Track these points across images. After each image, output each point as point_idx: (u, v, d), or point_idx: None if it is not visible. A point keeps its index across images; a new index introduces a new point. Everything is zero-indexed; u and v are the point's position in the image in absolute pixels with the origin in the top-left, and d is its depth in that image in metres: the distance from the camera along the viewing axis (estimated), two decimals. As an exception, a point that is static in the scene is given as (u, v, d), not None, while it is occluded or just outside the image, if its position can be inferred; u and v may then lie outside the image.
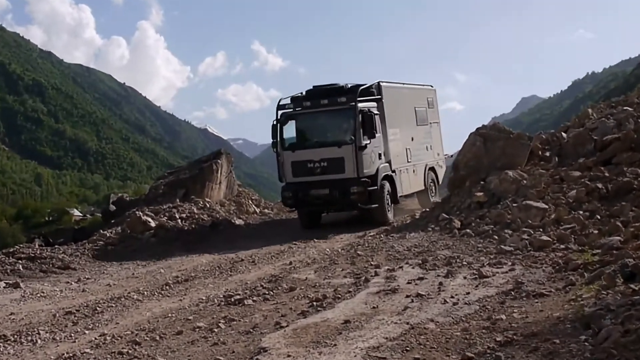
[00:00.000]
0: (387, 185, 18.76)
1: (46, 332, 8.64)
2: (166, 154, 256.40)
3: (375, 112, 18.50)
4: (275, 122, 19.02)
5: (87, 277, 13.40)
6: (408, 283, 9.31)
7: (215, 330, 7.72)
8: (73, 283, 12.81)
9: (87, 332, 8.42)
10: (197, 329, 7.85)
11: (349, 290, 9.21)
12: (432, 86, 24.43)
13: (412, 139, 21.13)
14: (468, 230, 13.21)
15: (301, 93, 19.35)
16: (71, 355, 7.24)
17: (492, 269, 9.51)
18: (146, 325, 8.34)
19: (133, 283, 12.29)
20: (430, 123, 22.83)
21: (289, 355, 6.27)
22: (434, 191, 22.42)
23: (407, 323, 7.08)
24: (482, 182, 15.48)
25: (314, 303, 8.57)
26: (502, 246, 11.02)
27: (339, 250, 13.63)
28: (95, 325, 8.78)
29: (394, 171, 19.26)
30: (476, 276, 9.15)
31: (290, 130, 19.24)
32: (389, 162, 19.10)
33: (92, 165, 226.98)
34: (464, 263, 10.28)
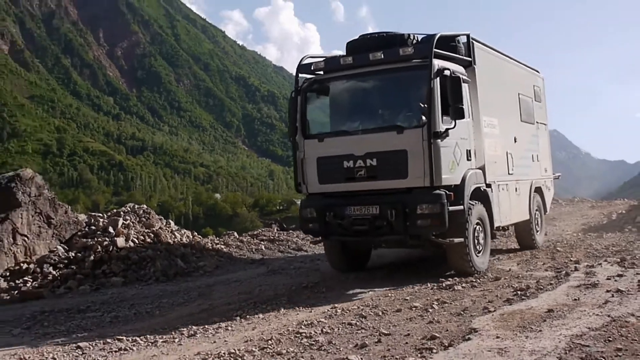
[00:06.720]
0: (480, 209, 10.44)
1: (286, 302, 9.12)
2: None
3: (465, 77, 10.42)
4: (293, 93, 10.83)
5: (317, 258, 13.98)
6: (607, 279, 8.88)
7: (430, 310, 7.78)
8: (307, 262, 13.48)
9: (320, 304, 8.79)
10: (414, 308, 7.94)
11: (550, 283, 8.95)
12: (538, 71, 15.36)
13: (515, 140, 12.57)
14: (667, 233, 12.31)
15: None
16: (309, 322, 7.57)
17: (693, 271, 8.86)
18: (370, 302, 8.58)
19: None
20: (538, 123, 14.35)
21: (497, 337, 6.22)
22: (539, 224, 13.78)
23: (609, 316, 6.77)
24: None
25: (518, 292, 8.39)
26: None
27: (539, 246, 13.27)
28: (327, 300, 9.11)
29: (489, 185, 10.95)
30: (676, 276, 8.55)
31: (318, 107, 11.16)
32: (482, 168, 10.79)
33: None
34: (663, 264, 9.62)
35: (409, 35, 10.30)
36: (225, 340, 7.07)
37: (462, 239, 9.82)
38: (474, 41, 11.03)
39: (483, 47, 11.54)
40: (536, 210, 13.50)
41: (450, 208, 9.48)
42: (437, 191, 9.47)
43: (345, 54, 10.56)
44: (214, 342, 7.06)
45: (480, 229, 10.47)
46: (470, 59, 10.88)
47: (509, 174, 12.03)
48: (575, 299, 7.75)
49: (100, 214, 15.10)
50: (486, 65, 11.39)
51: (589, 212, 21.99)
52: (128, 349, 7.02)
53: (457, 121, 9.64)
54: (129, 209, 15.29)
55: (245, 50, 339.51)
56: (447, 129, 9.55)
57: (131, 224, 14.12)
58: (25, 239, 12.64)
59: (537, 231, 13.47)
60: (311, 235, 11.23)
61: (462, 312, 7.52)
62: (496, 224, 11.18)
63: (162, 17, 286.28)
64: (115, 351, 6.96)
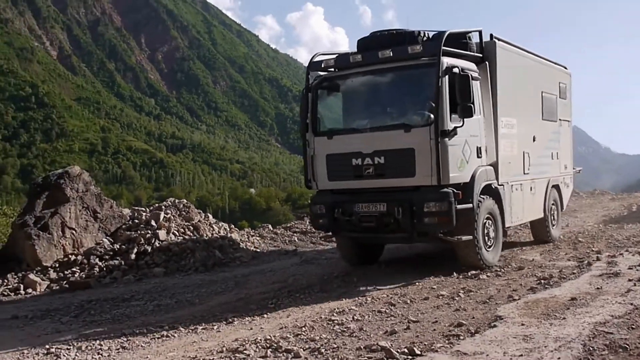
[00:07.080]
0: (490, 204, 9.89)
1: (319, 291, 9.11)
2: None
3: (475, 75, 9.66)
4: (304, 90, 10.45)
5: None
6: (629, 268, 8.70)
7: (456, 298, 7.70)
8: (337, 253, 13.34)
9: (351, 293, 8.73)
10: (441, 297, 7.87)
11: (573, 272, 8.79)
12: (566, 68, 14.35)
13: (534, 139, 11.82)
14: (687, 224, 11.98)
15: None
16: (341, 310, 7.55)
17: None
18: (398, 291, 8.51)
19: (385, 256, 12.48)
20: (561, 120, 13.36)
21: (522, 324, 6.13)
22: (555, 219, 12.95)
23: (631, 304, 6.63)
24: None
25: (542, 281, 8.28)
26: None
27: (561, 236, 13.04)
28: (357, 289, 9.06)
29: (502, 184, 10.37)
30: (697, 266, 8.33)
31: (328, 105, 10.66)
32: (495, 166, 10.18)
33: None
34: (684, 253, 9.39)
35: (419, 32, 9.71)
36: (261, 327, 7.07)
37: (470, 237, 9.34)
38: (496, 40, 10.35)
39: (505, 46, 10.74)
40: (552, 205, 12.72)
41: (458, 206, 8.99)
42: (445, 189, 8.98)
43: (356, 51, 10.04)
44: (251, 329, 7.07)
45: (491, 223, 9.93)
46: (481, 55, 10.16)
47: (524, 173, 11.36)
48: (597, 288, 7.62)
49: (143, 208, 15.22)
50: (507, 65, 10.63)
51: (609, 204, 21.63)
52: (170, 335, 7.06)
53: (463, 120, 9.06)
54: (169, 203, 15.38)
55: (277, 53, 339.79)
56: (455, 127, 9.01)
57: (172, 217, 14.20)
58: (74, 232, 12.80)
59: (553, 226, 12.75)
60: (321, 230, 10.93)
61: (487, 300, 7.43)
62: (507, 224, 10.63)
63: (199, 23, 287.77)
64: (158, 338, 7.00)
